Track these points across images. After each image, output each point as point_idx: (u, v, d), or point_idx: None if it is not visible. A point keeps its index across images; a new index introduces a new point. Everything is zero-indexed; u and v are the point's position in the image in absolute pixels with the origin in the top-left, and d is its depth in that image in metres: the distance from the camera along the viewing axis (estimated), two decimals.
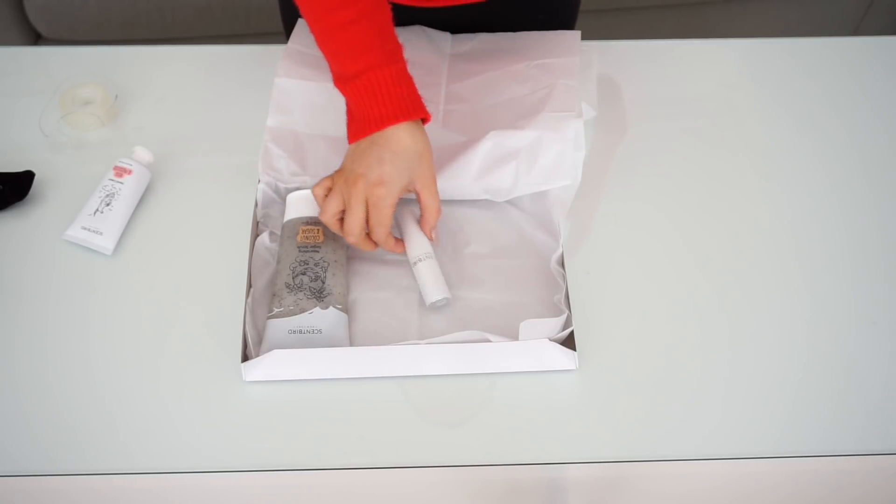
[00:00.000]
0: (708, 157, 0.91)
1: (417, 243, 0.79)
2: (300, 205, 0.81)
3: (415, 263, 0.79)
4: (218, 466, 0.69)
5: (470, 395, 0.73)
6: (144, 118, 0.94)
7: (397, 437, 0.71)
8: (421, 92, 0.76)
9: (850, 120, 0.96)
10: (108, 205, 0.83)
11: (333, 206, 0.76)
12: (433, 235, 0.79)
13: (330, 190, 0.77)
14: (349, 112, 0.78)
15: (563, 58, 0.91)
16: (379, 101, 0.74)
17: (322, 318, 0.74)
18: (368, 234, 0.77)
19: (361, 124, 0.75)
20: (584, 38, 0.95)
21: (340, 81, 0.76)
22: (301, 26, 0.94)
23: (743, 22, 1.90)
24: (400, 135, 0.74)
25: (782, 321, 0.78)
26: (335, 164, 0.84)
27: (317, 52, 0.79)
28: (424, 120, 0.77)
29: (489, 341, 0.72)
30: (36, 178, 0.86)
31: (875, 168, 0.91)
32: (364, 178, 0.74)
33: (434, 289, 0.77)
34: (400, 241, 0.80)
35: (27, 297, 0.79)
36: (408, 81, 0.76)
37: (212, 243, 0.83)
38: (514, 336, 0.74)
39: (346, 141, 0.78)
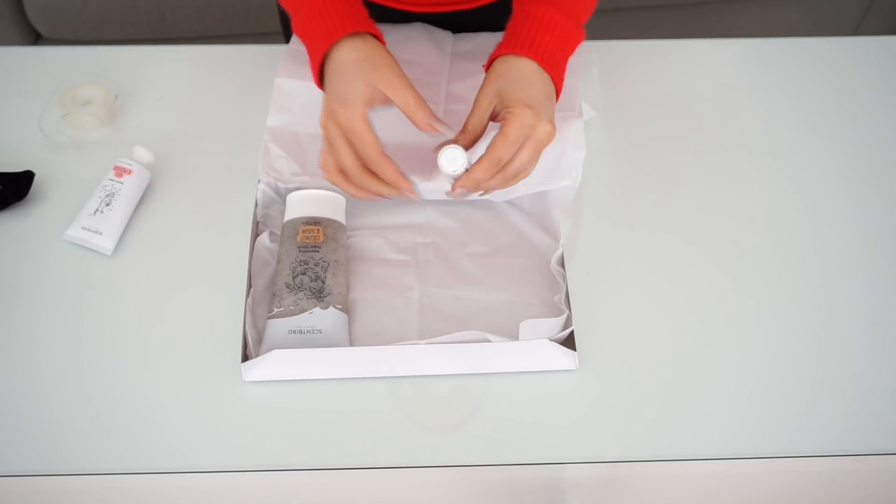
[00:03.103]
0: (708, 157, 0.91)
1: (444, 168, 0.70)
2: (300, 205, 0.81)
3: (454, 172, 0.70)
4: (218, 467, 0.69)
5: (470, 395, 0.73)
6: (144, 118, 0.94)
7: (397, 438, 0.71)
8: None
9: (851, 120, 0.95)
10: (108, 205, 0.83)
11: (328, 160, 0.70)
12: (436, 126, 0.69)
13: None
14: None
15: None
16: (314, 27, 0.71)
17: (322, 318, 0.74)
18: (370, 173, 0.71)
19: (314, 69, 0.73)
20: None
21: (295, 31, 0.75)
22: None
23: (743, 22, 1.90)
24: (337, 55, 0.70)
25: (785, 321, 0.78)
26: None
27: None
28: (378, 38, 0.72)
29: (489, 341, 0.72)
30: (36, 178, 0.86)
31: (875, 168, 0.91)
32: (326, 112, 0.69)
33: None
34: (403, 175, 0.70)
35: (27, 297, 0.79)
36: (335, 7, 0.71)
37: (212, 243, 0.83)
38: (514, 336, 0.74)
39: None
